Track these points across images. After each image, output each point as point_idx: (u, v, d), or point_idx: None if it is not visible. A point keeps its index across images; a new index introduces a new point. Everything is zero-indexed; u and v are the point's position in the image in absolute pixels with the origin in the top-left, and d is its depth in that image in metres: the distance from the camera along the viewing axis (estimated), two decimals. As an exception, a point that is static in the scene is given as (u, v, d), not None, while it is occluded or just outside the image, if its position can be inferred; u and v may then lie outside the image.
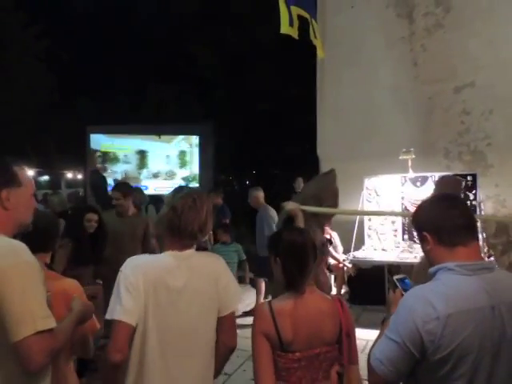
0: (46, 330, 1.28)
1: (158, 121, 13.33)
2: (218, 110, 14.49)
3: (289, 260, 1.83)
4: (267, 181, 17.41)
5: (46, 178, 24.43)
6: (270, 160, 15.68)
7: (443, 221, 1.44)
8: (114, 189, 4.40)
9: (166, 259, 1.71)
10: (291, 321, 1.74)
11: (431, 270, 1.46)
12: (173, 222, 1.69)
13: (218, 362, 1.78)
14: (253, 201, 5.46)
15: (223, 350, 1.77)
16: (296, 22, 4.02)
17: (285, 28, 3.92)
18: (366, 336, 3.46)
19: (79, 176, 22.55)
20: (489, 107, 5.55)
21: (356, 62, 6.39)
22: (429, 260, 1.51)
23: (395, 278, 1.63)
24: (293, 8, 4.00)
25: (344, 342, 1.79)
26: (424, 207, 1.56)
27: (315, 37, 4.42)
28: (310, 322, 1.76)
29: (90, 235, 3.63)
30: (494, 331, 1.32)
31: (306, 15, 4.28)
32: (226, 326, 1.76)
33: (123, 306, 1.57)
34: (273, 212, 5.23)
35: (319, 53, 4.56)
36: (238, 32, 13.34)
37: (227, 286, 1.77)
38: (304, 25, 4.35)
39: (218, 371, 1.83)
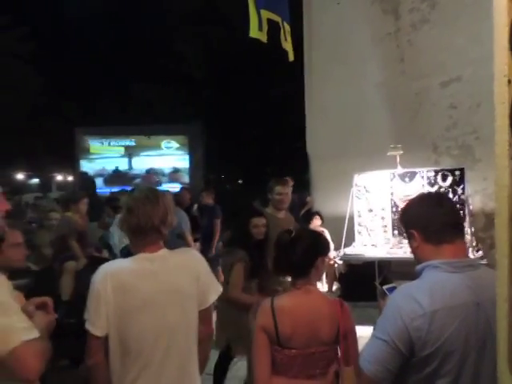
0: (32, 339, 1.26)
1: (147, 121, 13.25)
2: (208, 109, 14.45)
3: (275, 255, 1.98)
4: (259, 179, 17.42)
5: (36, 180, 24.26)
6: (261, 158, 15.68)
7: (430, 219, 1.46)
8: (280, 182, 3.87)
9: (139, 263, 1.71)
10: (291, 318, 1.80)
11: (418, 267, 1.48)
12: (132, 223, 1.70)
13: (203, 350, 1.84)
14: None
15: (203, 337, 1.83)
16: (265, 26, 3.99)
17: (253, 32, 3.90)
18: (357, 332, 3.49)
19: (70, 178, 22.42)
20: (476, 101, 5.57)
21: (343, 58, 6.40)
22: (416, 257, 1.53)
23: (385, 287, 1.68)
24: (263, 12, 3.97)
25: (341, 344, 1.82)
26: (412, 205, 1.58)
27: (286, 40, 4.40)
28: (308, 322, 1.81)
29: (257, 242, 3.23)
30: (478, 327, 1.33)
31: (277, 18, 4.26)
32: (204, 317, 1.82)
33: (89, 318, 1.61)
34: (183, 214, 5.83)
35: (290, 56, 4.52)
36: (226, 31, 13.31)
37: (206, 281, 1.82)
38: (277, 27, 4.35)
39: (205, 359, 1.90)
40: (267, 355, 1.81)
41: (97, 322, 1.61)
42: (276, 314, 1.80)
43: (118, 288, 1.63)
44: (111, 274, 1.66)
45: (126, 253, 5.48)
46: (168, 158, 11.89)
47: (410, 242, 1.53)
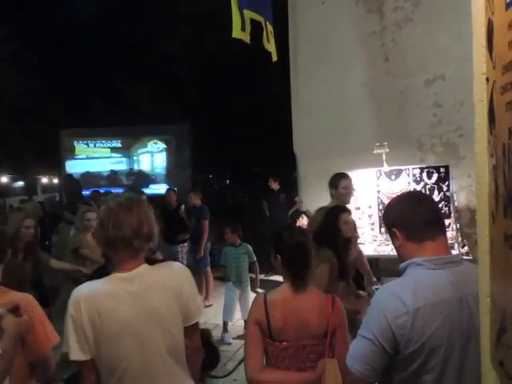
0: None
1: (134, 122, 13.14)
2: (195, 109, 14.39)
3: (290, 258, 1.97)
4: (247, 179, 17.42)
5: (21, 183, 23.91)
6: (249, 158, 15.68)
7: (411, 217, 1.48)
8: (345, 176, 3.74)
9: (111, 284, 1.59)
10: (282, 312, 1.86)
11: (401, 265, 1.50)
12: (102, 235, 1.58)
13: (192, 364, 1.75)
14: None
15: (190, 352, 1.73)
16: (248, 27, 4.00)
17: (236, 33, 3.90)
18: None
19: (55, 181, 22.15)
20: (459, 99, 5.63)
21: (328, 58, 6.42)
22: (399, 255, 1.54)
23: (374, 287, 1.71)
24: (246, 12, 3.97)
25: (328, 338, 1.88)
26: (393, 205, 1.60)
27: (268, 41, 4.42)
28: (298, 315, 1.87)
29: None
30: (462, 322, 1.35)
31: (260, 19, 4.26)
32: (190, 332, 1.71)
33: (69, 345, 1.52)
34: None
35: (273, 56, 4.54)
36: (212, 30, 13.26)
37: (190, 297, 1.69)
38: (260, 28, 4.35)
39: (196, 373, 1.80)
40: (259, 348, 1.86)
41: (76, 348, 1.52)
42: (268, 308, 1.86)
43: (94, 315, 1.53)
44: (84, 299, 1.54)
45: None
46: (107, 161, 11.73)
47: (393, 241, 1.55)
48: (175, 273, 1.71)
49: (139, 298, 1.58)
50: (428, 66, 5.86)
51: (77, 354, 1.53)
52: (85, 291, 1.58)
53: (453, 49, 5.63)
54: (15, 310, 1.51)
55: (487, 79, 0.94)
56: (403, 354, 1.35)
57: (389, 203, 1.65)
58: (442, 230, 1.50)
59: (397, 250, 1.56)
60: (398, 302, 1.34)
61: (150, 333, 1.58)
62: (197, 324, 1.73)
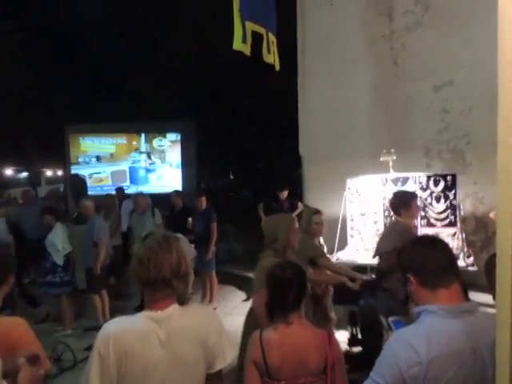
0: None
1: (139, 118, 13.12)
2: (200, 106, 14.36)
3: (270, 293, 1.97)
4: (251, 176, 17.41)
5: (25, 175, 23.97)
6: (254, 156, 15.66)
7: (425, 263, 1.49)
8: None
9: (143, 323, 1.58)
10: (278, 350, 1.85)
11: (416, 310, 1.51)
12: (142, 274, 1.59)
13: None
14: (84, 210, 5.52)
15: None
16: (249, 39, 4.00)
17: (237, 44, 3.91)
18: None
19: (59, 172, 22.21)
20: (468, 106, 5.61)
21: (336, 60, 6.39)
22: (413, 300, 1.56)
23: (390, 319, 1.69)
24: (247, 24, 3.96)
25: (328, 375, 1.86)
26: (407, 249, 1.59)
27: (269, 52, 4.42)
28: (295, 353, 1.85)
29: None
30: (475, 373, 1.35)
31: (262, 30, 4.26)
32: (211, 380, 1.67)
33: (90, 379, 1.51)
34: (102, 222, 5.53)
35: (276, 66, 4.54)
36: (218, 27, 13.21)
37: (216, 346, 1.65)
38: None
39: None
40: None
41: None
42: (264, 347, 1.85)
43: (121, 355, 1.52)
44: (114, 337, 1.54)
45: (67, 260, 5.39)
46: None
47: (407, 286, 1.55)
48: (203, 319, 1.69)
49: (165, 342, 1.57)
50: (436, 71, 5.83)
51: None
52: (115, 328, 1.58)
53: (462, 54, 5.60)
54: (34, 359, 1.49)
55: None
56: None
57: (403, 247, 1.64)
58: (456, 276, 1.49)
59: (411, 295, 1.56)
60: (411, 352, 1.34)
61: (168, 379, 1.57)
62: (219, 372, 1.68)
